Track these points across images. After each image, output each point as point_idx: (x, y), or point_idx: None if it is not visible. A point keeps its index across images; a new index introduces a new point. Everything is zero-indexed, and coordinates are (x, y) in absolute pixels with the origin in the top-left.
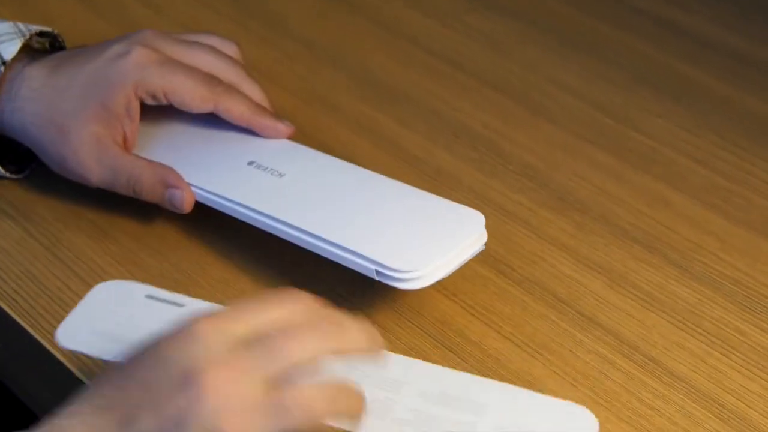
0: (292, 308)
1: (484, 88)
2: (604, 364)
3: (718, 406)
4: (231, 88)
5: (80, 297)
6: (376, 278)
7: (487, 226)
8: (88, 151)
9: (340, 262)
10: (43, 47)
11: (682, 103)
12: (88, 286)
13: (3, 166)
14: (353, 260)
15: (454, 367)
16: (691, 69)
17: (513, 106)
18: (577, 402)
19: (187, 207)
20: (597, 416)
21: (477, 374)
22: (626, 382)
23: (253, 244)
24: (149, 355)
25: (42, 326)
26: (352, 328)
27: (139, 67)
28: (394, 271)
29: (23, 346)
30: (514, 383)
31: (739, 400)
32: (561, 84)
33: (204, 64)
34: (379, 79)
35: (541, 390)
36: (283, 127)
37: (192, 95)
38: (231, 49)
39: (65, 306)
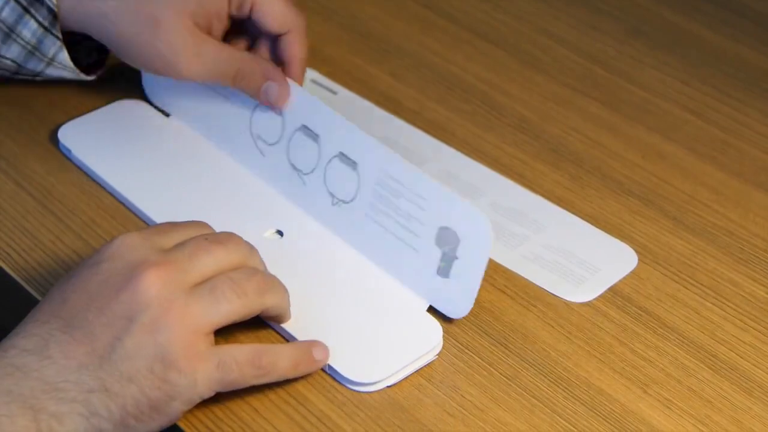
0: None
1: (477, 41)
2: (598, 316)
3: (711, 357)
4: (305, 27)
5: (74, 251)
6: (327, 371)
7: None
8: (183, 43)
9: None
10: None
11: (676, 54)
12: (81, 240)
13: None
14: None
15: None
16: (685, 20)
17: (506, 58)
18: (570, 354)
19: (281, 102)
20: (589, 368)
21: (472, 328)
22: (620, 334)
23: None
24: (86, 273)
25: (36, 280)
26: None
27: None
28: (344, 377)
29: (17, 300)
30: (508, 335)
31: (731, 350)
32: (554, 36)
33: (271, 8)
34: (372, 31)
35: (535, 341)
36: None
37: (279, 16)
38: None
39: (59, 260)
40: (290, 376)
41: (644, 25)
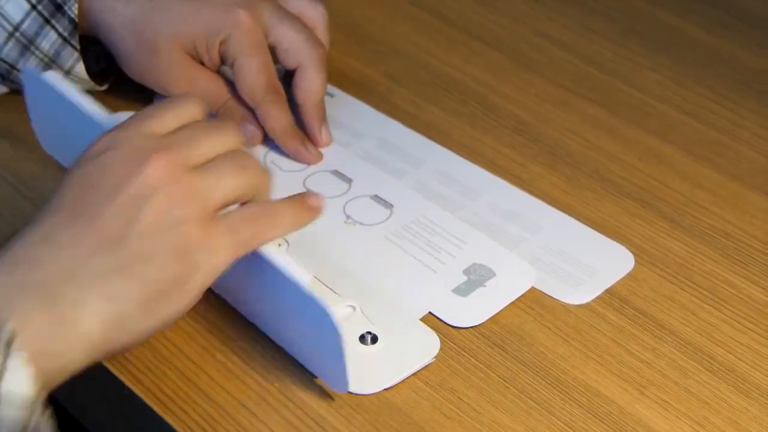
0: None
1: (473, 42)
2: (595, 318)
3: (708, 359)
4: (279, 102)
5: None
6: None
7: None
8: (179, 70)
9: (295, 357)
10: None
11: (672, 55)
12: None
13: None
14: (304, 363)
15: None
16: (681, 21)
17: (502, 59)
18: (567, 356)
19: (251, 143)
20: (587, 370)
21: (468, 330)
22: (617, 336)
23: None
24: (85, 167)
25: None
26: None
27: (234, 28)
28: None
29: None
30: (505, 337)
31: (729, 352)
32: (550, 37)
33: (285, 41)
34: (368, 33)
35: (532, 343)
36: (308, 155)
37: (246, 86)
38: (317, 11)
39: None
40: (293, 228)
41: (640, 27)
